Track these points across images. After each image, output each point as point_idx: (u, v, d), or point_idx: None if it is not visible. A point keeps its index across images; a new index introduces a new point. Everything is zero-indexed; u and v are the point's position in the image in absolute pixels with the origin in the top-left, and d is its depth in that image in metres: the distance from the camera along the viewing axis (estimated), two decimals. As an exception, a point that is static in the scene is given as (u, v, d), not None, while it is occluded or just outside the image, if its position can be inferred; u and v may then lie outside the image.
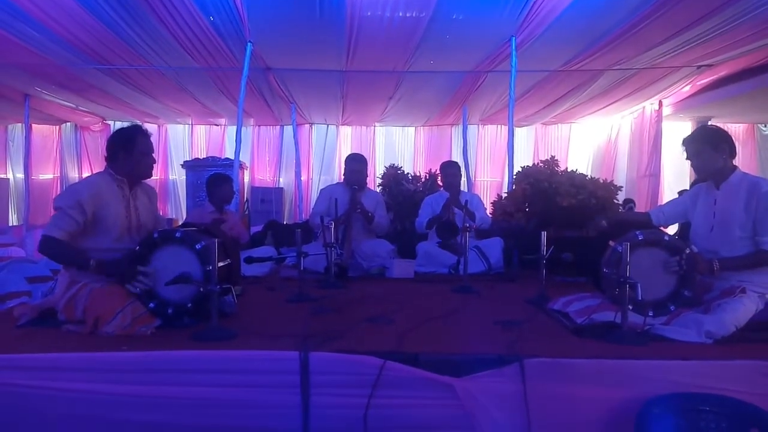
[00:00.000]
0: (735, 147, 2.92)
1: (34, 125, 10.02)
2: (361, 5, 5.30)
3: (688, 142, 2.99)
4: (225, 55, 6.64)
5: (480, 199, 5.43)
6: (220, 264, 2.57)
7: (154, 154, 3.06)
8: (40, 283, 4.91)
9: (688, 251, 2.67)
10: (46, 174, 11.10)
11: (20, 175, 10.44)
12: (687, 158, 3.01)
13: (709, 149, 2.87)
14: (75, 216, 2.69)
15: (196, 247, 2.63)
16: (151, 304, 2.67)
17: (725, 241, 2.80)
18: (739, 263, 2.73)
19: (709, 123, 9.79)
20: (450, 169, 5.30)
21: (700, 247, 2.87)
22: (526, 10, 5.41)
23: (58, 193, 10.65)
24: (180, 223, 6.78)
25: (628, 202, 8.09)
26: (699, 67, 7.11)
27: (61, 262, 2.85)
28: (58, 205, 2.73)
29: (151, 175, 3.10)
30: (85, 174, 10.93)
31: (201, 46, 6.31)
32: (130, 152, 2.90)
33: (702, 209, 3.00)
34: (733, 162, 2.92)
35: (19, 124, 10.29)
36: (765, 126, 10.37)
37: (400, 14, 5.53)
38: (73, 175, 11.08)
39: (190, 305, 2.66)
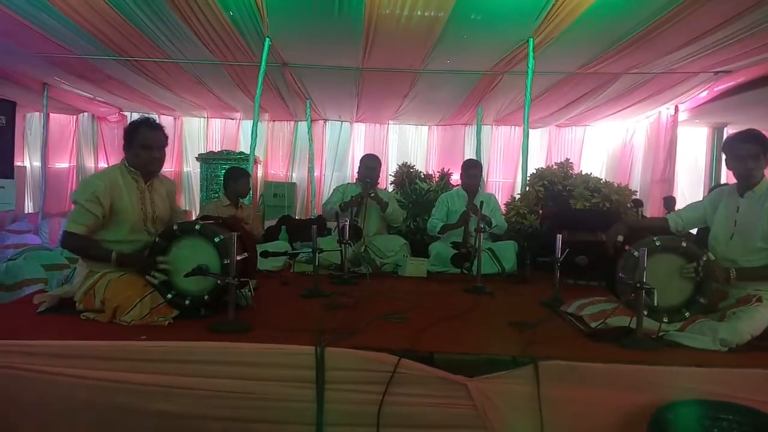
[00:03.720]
0: None
1: (51, 114, 10.13)
2: (380, 3, 5.29)
3: (748, 141, 2.79)
4: (243, 50, 6.68)
5: (497, 200, 5.32)
6: (238, 258, 2.59)
7: (159, 148, 2.92)
8: (56, 270, 4.98)
9: (705, 258, 2.66)
10: (63, 163, 11.22)
11: (37, 164, 10.59)
12: (737, 154, 2.81)
13: (763, 156, 2.77)
14: (93, 210, 2.71)
15: (215, 240, 2.66)
16: (169, 295, 2.70)
17: (745, 251, 2.78)
18: (758, 274, 2.71)
19: (726, 129, 9.75)
20: (472, 170, 5.16)
21: (719, 254, 2.83)
22: (545, 12, 5.40)
23: (74, 182, 10.80)
24: (194, 216, 6.84)
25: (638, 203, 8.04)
26: (717, 72, 7.07)
27: (82, 256, 2.86)
28: (75, 200, 2.75)
29: (155, 170, 2.98)
30: (101, 164, 11.09)
31: (220, 41, 6.36)
32: (131, 145, 2.87)
33: (723, 216, 2.96)
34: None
35: (37, 113, 10.43)
36: (782, 134, 10.28)
37: (419, 13, 5.53)
38: (89, 164, 11.22)
39: (207, 297, 2.70)
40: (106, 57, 7.06)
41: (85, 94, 9.44)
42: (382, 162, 10.79)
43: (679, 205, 9.47)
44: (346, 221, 3.88)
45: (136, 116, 11.02)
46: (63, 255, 5.52)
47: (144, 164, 2.90)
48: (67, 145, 11.26)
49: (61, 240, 2.79)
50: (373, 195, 4.79)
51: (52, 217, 9.68)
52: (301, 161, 11.36)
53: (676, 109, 8.94)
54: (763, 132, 2.83)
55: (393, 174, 7.25)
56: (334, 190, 5.33)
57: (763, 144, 2.78)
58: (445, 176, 7.09)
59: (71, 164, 11.29)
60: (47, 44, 6.57)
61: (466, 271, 4.51)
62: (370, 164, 5.00)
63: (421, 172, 7.23)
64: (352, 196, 4.70)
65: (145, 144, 2.86)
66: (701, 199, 3.33)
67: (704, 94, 8.05)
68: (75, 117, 11.16)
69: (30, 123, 11.03)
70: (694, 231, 3.81)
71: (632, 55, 6.41)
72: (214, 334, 2.43)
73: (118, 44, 6.58)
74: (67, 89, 9.06)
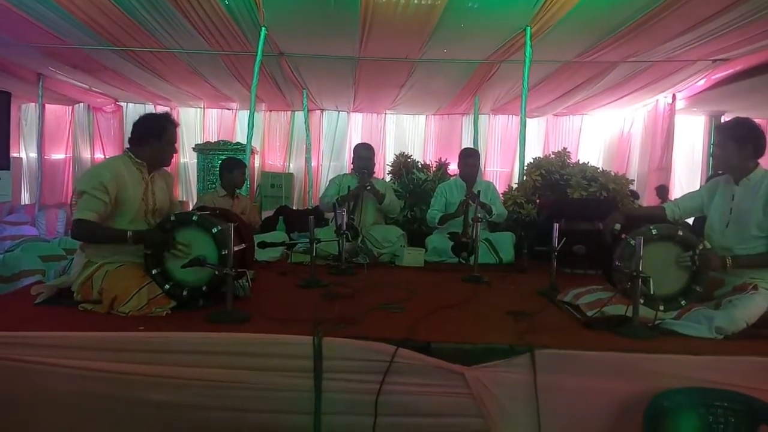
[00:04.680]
0: (764, 148, 2.84)
1: (47, 105, 10.08)
2: (376, -8, 5.28)
3: (717, 130, 3.00)
4: (239, 40, 6.64)
5: (495, 188, 5.30)
6: (236, 248, 2.59)
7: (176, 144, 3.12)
8: (54, 261, 4.99)
9: (701, 247, 2.67)
10: (59, 153, 11.18)
11: (33, 155, 10.54)
12: (713, 144, 3.00)
13: (732, 144, 2.83)
14: (101, 197, 2.72)
15: (213, 230, 2.66)
16: (167, 286, 2.71)
17: (740, 239, 2.80)
18: (754, 262, 2.72)
19: (723, 117, 9.75)
20: (470, 158, 5.14)
21: (715, 242, 2.85)
22: (542, 1, 5.38)
23: (70, 172, 10.77)
24: (191, 207, 6.84)
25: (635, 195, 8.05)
26: (714, 61, 7.05)
27: (97, 242, 2.83)
28: (82, 189, 2.75)
29: (170, 164, 3.15)
30: (98, 155, 11.04)
31: (215, 30, 6.32)
32: (159, 139, 2.94)
33: (718, 204, 2.97)
34: (758, 161, 2.87)
35: (33, 104, 10.37)
36: (779, 121, 10.31)
37: (415, 1, 5.50)
38: (86, 155, 11.19)
39: (205, 288, 2.70)
40: (102, 47, 7.01)
41: (81, 84, 9.39)
42: (380, 152, 10.80)
43: (677, 192, 9.49)
44: (344, 212, 3.88)
45: (132, 107, 11.02)
46: (60, 246, 5.52)
47: (168, 158, 3.05)
48: (63, 136, 11.20)
49: (72, 230, 2.78)
50: (369, 188, 4.78)
51: (49, 208, 9.67)
52: (299, 151, 11.32)
53: (674, 97, 8.93)
54: (760, 119, 2.84)
55: (390, 164, 7.24)
56: (330, 182, 5.31)
57: (729, 133, 2.86)
58: (442, 166, 7.07)
59: (67, 155, 11.25)
60: (42, 35, 6.53)
61: (463, 261, 4.52)
62: (364, 154, 4.99)
63: (418, 161, 7.21)
64: (348, 187, 4.70)
65: (173, 140, 3.02)
66: (698, 187, 3.35)
67: (702, 82, 8.03)
68: (71, 107, 11.10)
69: (25, 114, 10.96)
70: (690, 220, 3.82)
71: (630, 43, 6.39)
72: (212, 325, 2.44)
73: (114, 34, 6.54)
74: (62, 80, 9.01)
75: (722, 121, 9.70)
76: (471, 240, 4.13)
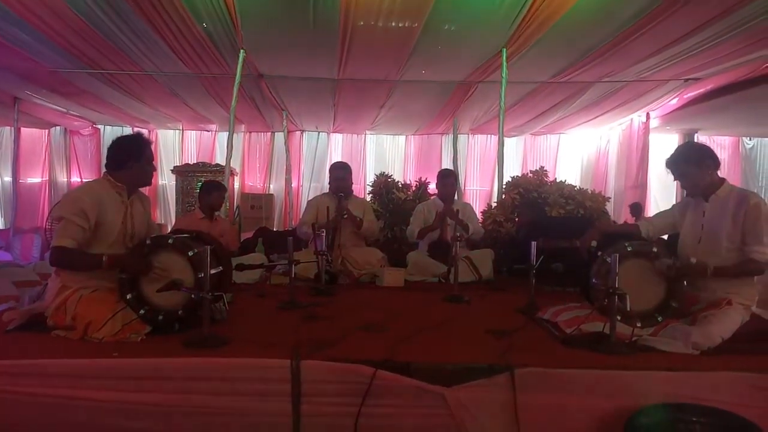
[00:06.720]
0: (718, 158, 2.97)
1: (22, 128, 9.96)
2: (354, 15, 5.32)
3: (671, 165, 3.02)
4: (217, 62, 6.64)
5: (472, 208, 5.43)
6: (212, 271, 2.56)
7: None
8: (28, 287, 4.88)
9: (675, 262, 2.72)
10: (35, 177, 11.01)
11: (8, 178, 10.36)
12: (675, 179, 3.06)
13: (694, 169, 2.92)
14: (80, 223, 2.68)
15: (189, 254, 2.63)
16: (142, 311, 2.66)
17: (712, 252, 2.85)
18: (732, 271, 2.78)
19: (696, 135, 9.94)
20: (448, 179, 5.28)
21: (688, 257, 2.91)
22: (517, 23, 5.46)
23: (47, 196, 10.59)
24: (169, 229, 6.78)
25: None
26: (686, 80, 7.21)
27: (74, 269, 2.79)
28: (60, 215, 2.71)
29: (152, 183, 3.13)
30: (74, 178, 10.88)
31: (193, 53, 6.31)
32: (139, 160, 2.93)
33: (690, 221, 3.05)
34: (719, 172, 2.96)
35: (8, 127, 10.24)
36: (749, 139, 10.54)
37: (393, 24, 5.56)
38: (62, 179, 11.02)
39: (181, 312, 2.66)
40: (79, 70, 6.97)
41: (58, 107, 9.29)
42: (360, 172, 10.82)
43: (652, 208, 9.62)
44: (323, 233, 3.87)
45: (109, 129, 10.91)
46: (35, 271, 5.42)
47: (149, 178, 3.06)
48: (39, 160, 11.01)
49: (50, 257, 2.73)
50: (346, 216, 4.77)
51: (24, 232, 9.49)
52: (279, 172, 11.27)
53: (648, 116, 9.08)
54: (732, 136, 2.93)
55: (371, 184, 7.25)
56: (307, 204, 5.33)
57: (685, 160, 2.95)
58: (422, 186, 7.11)
59: (43, 179, 11.07)
60: (17, 58, 6.46)
61: (443, 280, 4.53)
62: (339, 175, 5.01)
63: (398, 181, 7.25)
64: (327, 208, 4.68)
65: (152, 159, 3.04)
66: (674, 203, 3.41)
67: (674, 101, 8.19)
68: (47, 131, 10.95)
69: (0, 137, 10.82)
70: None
71: (603, 64, 6.52)
72: (188, 350, 2.40)
73: (91, 57, 6.50)
74: (39, 103, 8.91)
75: (697, 139, 9.89)
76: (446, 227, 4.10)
